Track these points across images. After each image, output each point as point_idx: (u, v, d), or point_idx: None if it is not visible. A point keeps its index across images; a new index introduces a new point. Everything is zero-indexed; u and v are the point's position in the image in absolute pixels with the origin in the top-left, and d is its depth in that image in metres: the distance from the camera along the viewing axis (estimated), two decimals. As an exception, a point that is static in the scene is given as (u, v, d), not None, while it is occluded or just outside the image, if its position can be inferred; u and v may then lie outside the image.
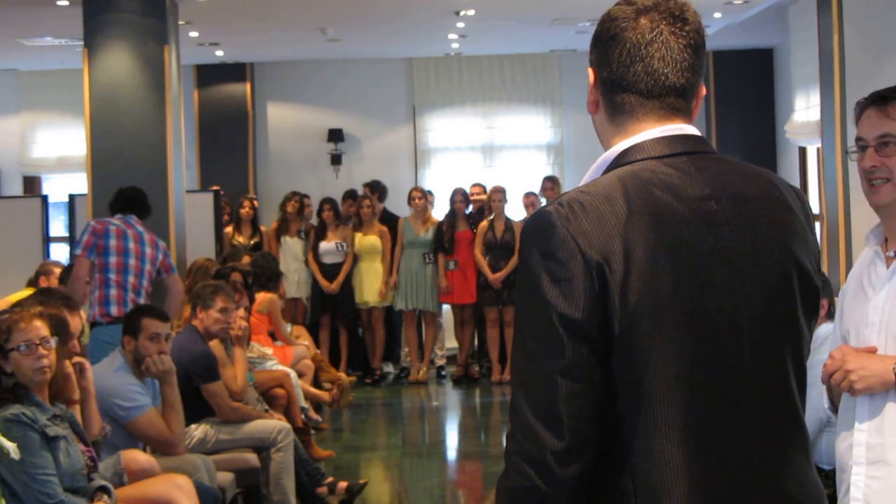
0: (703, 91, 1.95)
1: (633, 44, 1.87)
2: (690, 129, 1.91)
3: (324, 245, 11.22)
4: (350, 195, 11.88)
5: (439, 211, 11.75)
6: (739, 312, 1.81)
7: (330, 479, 6.72)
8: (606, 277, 1.74)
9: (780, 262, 1.86)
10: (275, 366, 7.97)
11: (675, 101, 1.89)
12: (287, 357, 8.43)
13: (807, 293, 1.89)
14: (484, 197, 11.32)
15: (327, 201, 11.38)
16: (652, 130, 1.88)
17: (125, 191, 7.49)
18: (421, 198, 11.26)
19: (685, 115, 1.91)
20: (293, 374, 7.91)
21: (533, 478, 1.75)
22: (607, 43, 1.90)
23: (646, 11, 1.88)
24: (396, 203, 11.90)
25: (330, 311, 11.23)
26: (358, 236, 11.23)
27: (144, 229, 7.36)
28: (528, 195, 11.57)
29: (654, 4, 1.88)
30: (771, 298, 1.84)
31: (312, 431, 8.19)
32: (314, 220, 11.71)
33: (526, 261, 1.80)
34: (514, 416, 1.78)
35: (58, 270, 8.20)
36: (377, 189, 11.81)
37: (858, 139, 2.87)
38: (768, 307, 1.84)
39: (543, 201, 11.07)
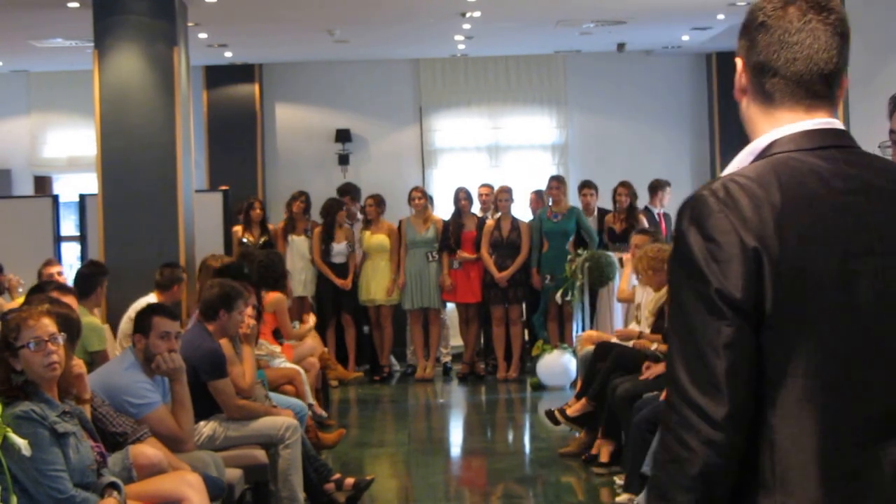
0: (847, 82, 2.00)
1: (784, 31, 1.93)
2: (837, 124, 1.96)
3: (332, 245, 11.27)
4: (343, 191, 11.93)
5: (442, 211, 11.80)
6: (885, 303, 1.86)
7: (337, 476, 6.76)
8: (762, 261, 1.81)
9: None
10: (283, 363, 8.04)
11: (821, 88, 1.94)
12: (292, 356, 8.49)
13: None
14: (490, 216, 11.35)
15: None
16: (802, 123, 1.94)
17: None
18: (421, 198, 11.27)
19: (830, 103, 1.97)
20: (301, 372, 7.97)
21: (695, 448, 1.79)
22: (757, 29, 1.96)
23: (792, 1, 1.94)
24: (400, 203, 11.92)
25: (336, 309, 11.31)
26: (366, 235, 11.30)
27: None
28: (541, 192, 11.67)
29: None
30: None
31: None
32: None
33: (685, 242, 1.85)
34: (672, 388, 1.84)
35: (55, 269, 8.24)
36: (350, 192, 11.87)
37: (892, 132, 2.90)
38: None
39: (550, 201, 11.12)
